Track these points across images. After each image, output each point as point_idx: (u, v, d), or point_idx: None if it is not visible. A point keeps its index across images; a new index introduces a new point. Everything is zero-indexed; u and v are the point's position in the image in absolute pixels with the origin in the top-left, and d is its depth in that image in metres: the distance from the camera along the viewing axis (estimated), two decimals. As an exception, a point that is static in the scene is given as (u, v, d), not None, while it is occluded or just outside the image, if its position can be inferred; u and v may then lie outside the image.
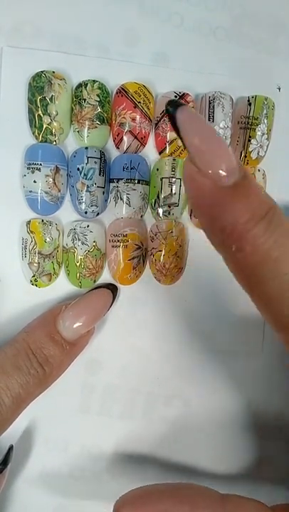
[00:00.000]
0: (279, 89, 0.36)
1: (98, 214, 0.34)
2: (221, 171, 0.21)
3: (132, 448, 0.37)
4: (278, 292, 0.22)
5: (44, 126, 0.33)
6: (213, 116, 0.34)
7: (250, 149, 0.35)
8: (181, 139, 0.22)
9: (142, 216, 0.35)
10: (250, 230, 0.21)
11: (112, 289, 0.35)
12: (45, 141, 0.33)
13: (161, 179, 0.34)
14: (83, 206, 0.34)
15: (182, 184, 0.34)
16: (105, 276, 0.36)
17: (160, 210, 0.35)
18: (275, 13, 0.37)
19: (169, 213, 0.35)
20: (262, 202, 0.22)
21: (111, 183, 0.34)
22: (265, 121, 0.35)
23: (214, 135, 0.22)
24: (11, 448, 0.33)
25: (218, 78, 0.36)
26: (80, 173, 0.33)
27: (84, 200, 0.34)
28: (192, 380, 0.37)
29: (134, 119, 0.34)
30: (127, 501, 0.27)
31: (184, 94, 0.34)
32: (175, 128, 0.22)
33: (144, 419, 0.37)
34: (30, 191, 0.33)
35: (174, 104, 0.22)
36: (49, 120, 0.33)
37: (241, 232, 0.22)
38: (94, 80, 0.33)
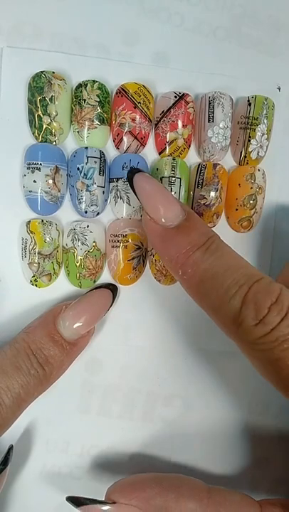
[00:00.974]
0: (279, 89, 0.36)
1: (98, 214, 0.34)
2: (166, 219, 0.29)
3: (132, 448, 0.37)
4: (219, 303, 0.27)
5: (44, 127, 0.33)
6: (213, 117, 0.34)
7: (250, 149, 0.35)
8: (137, 197, 0.30)
9: (142, 216, 0.35)
10: (190, 256, 0.28)
11: (112, 289, 0.35)
12: (45, 141, 0.33)
13: (161, 179, 0.34)
14: (83, 206, 0.34)
15: (182, 184, 0.34)
16: (105, 277, 0.36)
17: (160, 210, 0.35)
18: (275, 13, 0.37)
19: (169, 213, 0.35)
20: (201, 234, 0.28)
21: (111, 183, 0.35)
22: (265, 121, 0.35)
23: (162, 192, 0.29)
24: (11, 448, 0.33)
25: (218, 78, 0.36)
26: (80, 173, 0.33)
27: (84, 199, 0.34)
28: (192, 380, 0.37)
29: (133, 120, 0.34)
30: (118, 488, 0.30)
31: (183, 94, 0.34)
32: (133, 189, 0.30)
33: (143, 419, 0.37)
34: (30, 191, 0.33)
35: (133, 171, 0.30)
36: (49, 120, 0.33)
37: (183, 259, 0.28)
38: (94, 80, 0.33)
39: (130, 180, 0.30)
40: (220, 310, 0.27)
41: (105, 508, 0.29)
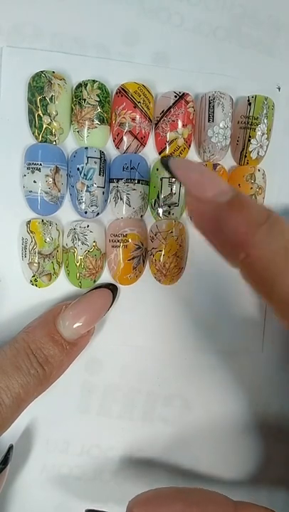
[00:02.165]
0: (279, 88, 0.36)
1: (98, 214, 0.34)
2: (214, 194, 0.24)
3: (132, 447, 0.37)
4: None
5: (44, 126, 0.33)
6: (213, 116, 0.34)
7: (250, 149, 0.35)
8: (177, 180, 0.26)
9: (141, 216, 0.35)
10: (253, 235, 0.23)
11: (112, 289, 0.35)
12: (45, 141, 0.33)
13: (161, 179, 0.34)
14: (83, 206, 0.34)
15: (182, 184, 0.34)
16: (105, 276, 0.36)
17: (160, 210, 0.35)
18: (275, 13, 0.37)
19: (169, 213, 0.35)
20: (259, 211, 0.24)
21: (111, 183, 0.34)
22: (265, 121, 0.35)
23: (203, 169, 0.26)
24: (11, 447, 0.33)
25: (218, 78, 0.36)
26: (80, 173, 0.33)
27: (84, 200, 0.34)
28: (192, 380, 0.37)
29: (134, 119, 0.34)
30: (140, 502, 0.28)
31: (183, 94, 0.34)
32: (172, 174, 0.26)
33: (144, 419, 0.37)
34: (30, 191, 0.33)
35: (166, 157, 0.26)
36: (49, 120, 0.33)
37: (245, 239, 0.23)
38: (94, 80, 0.33)
39: (167, 167, 0.26)
40: None
41: None
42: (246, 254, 0.24)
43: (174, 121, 0.34)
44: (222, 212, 0.24)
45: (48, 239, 0.34)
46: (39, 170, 0.33)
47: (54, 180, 0.33)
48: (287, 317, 0.24)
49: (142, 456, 0.37)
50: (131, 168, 0.34)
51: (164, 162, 0.26)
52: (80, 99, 0.33)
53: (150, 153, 0.35)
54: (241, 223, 0.24)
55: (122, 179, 0.34)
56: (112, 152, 0.35)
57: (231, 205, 0.24)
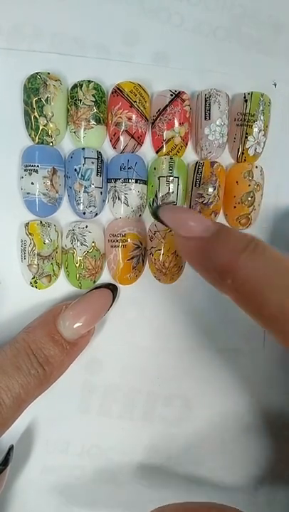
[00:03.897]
0: (275, 85, 0.36)
1: (96, 214, 0.35)
2: (200, 230, 0.28)
3: (132, 448, 0.37)
4: (281, 304, 0.25)
5: (40, 128, 0.33)
6: (209, 114, 0.34)
7: (247, 146, 0.35)
8: (166, 226, 0.29)
9: (140, 215, 0.35)
10: (236, 260, 0.26)
11: (112, 288, 0.35)
12: (42, 143, 0.33)
13: (159, 178, 0.34)
14: (81, 207, 0.34)
15: (180, 183, 0.34)
16: (105, 277, 0.36)
17: (158, 209, 0.35)
18: (275, 13, 0.37)
19: (168, 212, 0.34)
20: (241, 238, 0.27)
21: (109, 183, 0.35)
22: (262, 117, 0.34)
23: (187, 211, 0.31)
24: (11, 448, 0.33)
25: (214, 76, 0.36)
26: (78, 174, 0.33)
27: (82, 200, 0.34)
28: (192, 380, 0.37)
29: (130, 119, 0.34)
30: None
31: (179, 92, 0.34)
32: (161, 221, 0.29)
33: (144, 419, 0.37)
34: (28, 193, 0.33)
35: (156, 207, 0.30)
36: (45, 121, 0.33)
37: (230, 265, 0.26)
38: (89, 81, 0.33)
39: (156, 216, 0.30)
40: (284, 314, 0.25)
41: None
42: (232, 279, 0.26)
43: (170, 119, 0.34)
44: (208, 244, 0.27)
45: (46, 240, 0.34)
46: (36, 172, 0.33)
47: (52, 181, 0.33)
48: (281, 332, 0.26)
49: (141, 456, 0.37)
50: (128, 168, 0.34)
51: (154, 211, 0.30)
52: (75, 100, 0.33)
53: (147, 152, 0.35)
54: (225, 252, 0.26)
55: (119, 179, 0.34)
56: (109, 152, 0.35)
57: (215, 238, 0.27)
